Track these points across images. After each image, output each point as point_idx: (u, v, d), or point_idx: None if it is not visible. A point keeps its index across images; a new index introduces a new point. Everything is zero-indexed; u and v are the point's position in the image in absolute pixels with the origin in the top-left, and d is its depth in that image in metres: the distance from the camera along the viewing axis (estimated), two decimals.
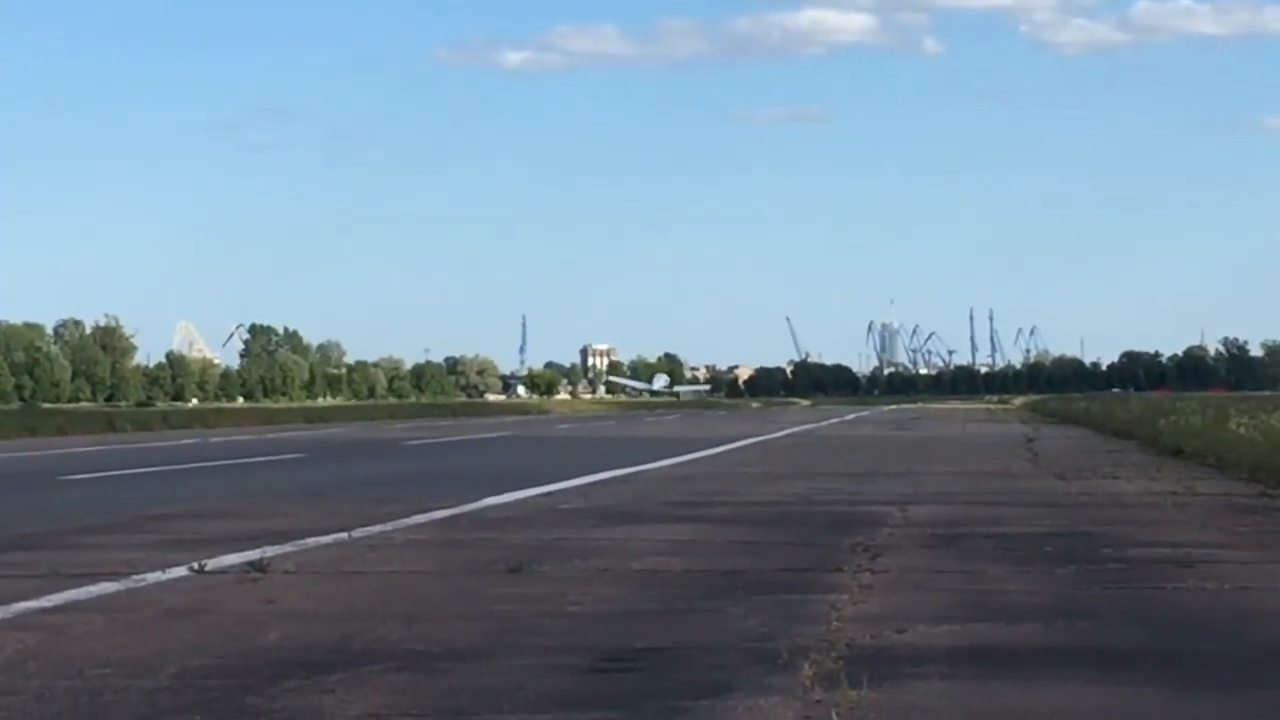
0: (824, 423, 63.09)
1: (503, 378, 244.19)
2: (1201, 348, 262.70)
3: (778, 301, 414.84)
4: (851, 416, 78.59)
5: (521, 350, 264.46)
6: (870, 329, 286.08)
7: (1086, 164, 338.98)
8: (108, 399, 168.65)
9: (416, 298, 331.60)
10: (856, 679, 6.93)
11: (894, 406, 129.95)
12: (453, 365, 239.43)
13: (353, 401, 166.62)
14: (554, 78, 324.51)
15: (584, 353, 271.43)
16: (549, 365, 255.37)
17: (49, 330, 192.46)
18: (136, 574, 10.96)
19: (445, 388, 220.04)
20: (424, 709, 6.57)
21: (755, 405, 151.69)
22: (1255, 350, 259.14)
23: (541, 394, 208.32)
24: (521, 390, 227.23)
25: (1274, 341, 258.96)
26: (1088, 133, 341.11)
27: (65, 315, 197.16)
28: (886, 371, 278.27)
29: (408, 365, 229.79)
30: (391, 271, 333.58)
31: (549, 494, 19.26)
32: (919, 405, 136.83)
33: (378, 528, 14.45)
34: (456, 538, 13.75)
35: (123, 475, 25.40)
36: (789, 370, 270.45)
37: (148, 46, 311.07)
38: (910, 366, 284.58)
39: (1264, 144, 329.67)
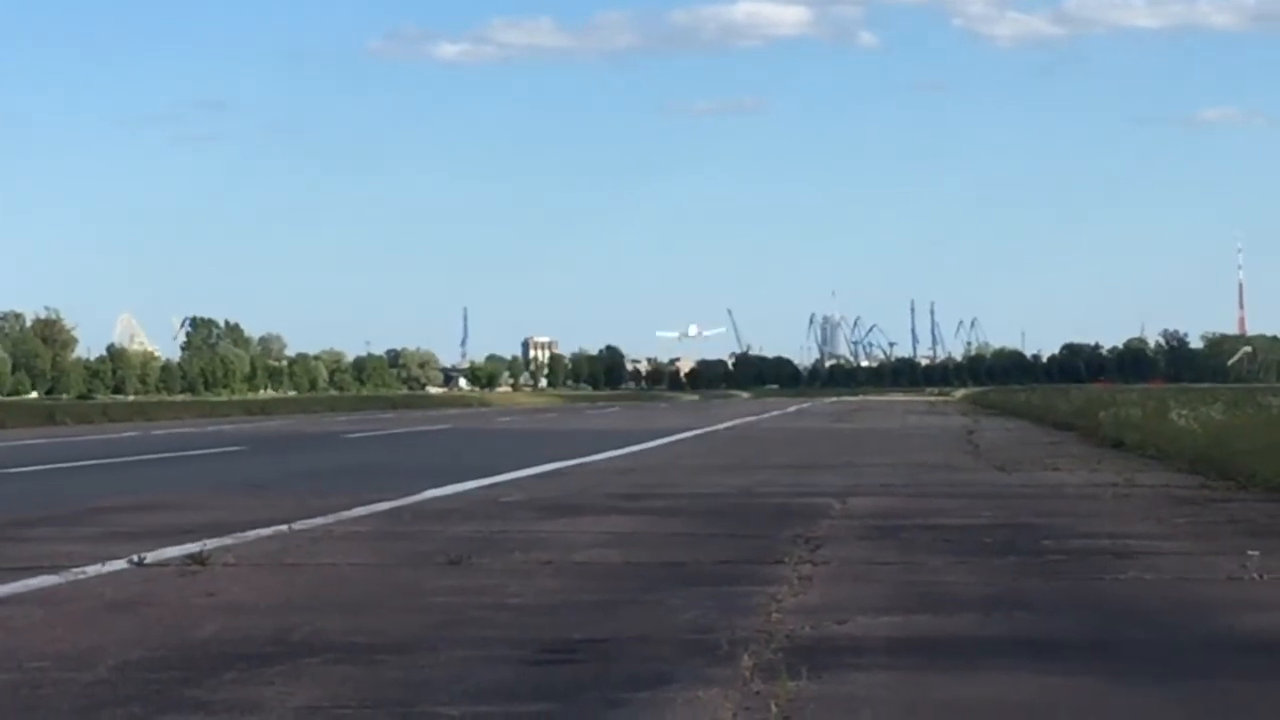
0: (765, 415, 63.18)
1: (444, 370, 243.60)
2: (1141, 340, 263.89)
3: (719, 294, 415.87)
4: (793, 409, 78.63)
5: (463, 343, 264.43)
6: (811, 321, 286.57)
7: (1024, 156, 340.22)
8: (48, 392, 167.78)
9: (357, 290, 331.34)
10: (796, 670, 6.96)
11: (835, 399, 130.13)
12: (394, 358, 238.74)
13: (294, 394, 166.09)
14: (489, 70, 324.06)
15: (525, 345, 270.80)
16: (490, 358, 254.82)
17: None
18: (76, 567, 10.91)
19: (386, 380, 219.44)
20: (364, 701, 6.56)
21: (694, 397, 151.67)
22: (1195, 342, 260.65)
23: (483, 387, 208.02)
24: (463, 383, 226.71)
25: (1213, 333, 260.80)
26: (1024, 125, 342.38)
27: (5, 308, 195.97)
28: (828, 364, 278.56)
29: (349, 358, 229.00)
30: (332, 264, 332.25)
31: (490, 486, 19.25)
32: (860, 397, 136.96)
33: (318, 520, 14.42)
34: (397, 530, 13.74)
35: (63, 468, 25.27)
36: (730, 363, 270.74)
37: (85, 38, 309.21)
38: (851, 359, 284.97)
39: (1199, 136, 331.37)
